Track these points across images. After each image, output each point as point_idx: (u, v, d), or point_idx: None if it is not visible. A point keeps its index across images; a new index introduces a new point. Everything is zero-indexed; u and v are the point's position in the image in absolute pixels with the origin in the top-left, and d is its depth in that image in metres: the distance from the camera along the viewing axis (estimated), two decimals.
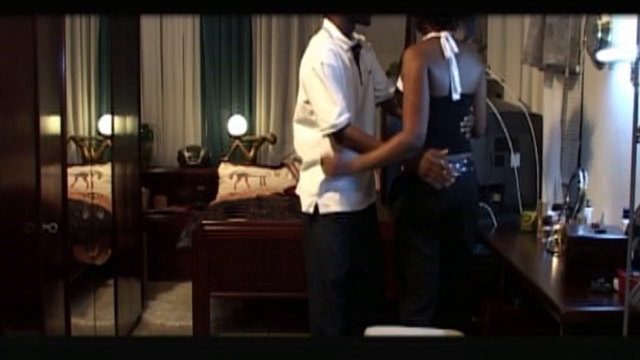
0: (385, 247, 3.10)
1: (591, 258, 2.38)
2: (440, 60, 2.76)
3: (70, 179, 3.87)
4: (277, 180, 5.52)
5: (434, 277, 2.89)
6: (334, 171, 2.85)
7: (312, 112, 2.88)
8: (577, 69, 3.20)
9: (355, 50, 2.93)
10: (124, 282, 4.15)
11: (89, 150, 5.13)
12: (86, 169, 4.67)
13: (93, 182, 4.39)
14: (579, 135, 3.25)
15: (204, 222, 4.06)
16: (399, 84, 2.88)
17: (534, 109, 3.66)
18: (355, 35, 2.96)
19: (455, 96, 2.80)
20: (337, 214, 2.91)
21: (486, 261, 3.27)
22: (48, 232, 2.92)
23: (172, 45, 5.96)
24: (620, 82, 2.82)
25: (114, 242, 4.09)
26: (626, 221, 2.50)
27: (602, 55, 2.93)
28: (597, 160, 3.09)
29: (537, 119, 3.51)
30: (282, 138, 6.01)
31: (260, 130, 6.02)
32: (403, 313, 2.92)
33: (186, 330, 4.29)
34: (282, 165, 5.72)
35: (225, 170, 5.63)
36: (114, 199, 4.00)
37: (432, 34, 2.81)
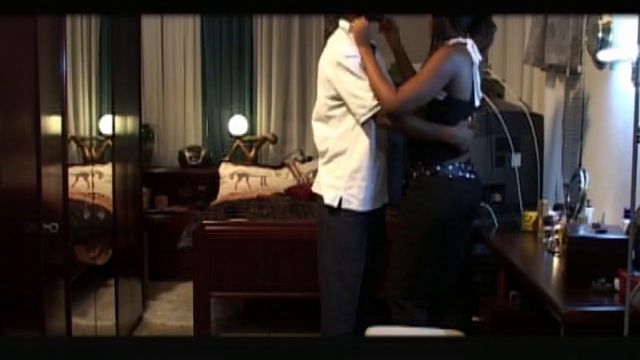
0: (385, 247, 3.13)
1: (592, 258, 2.38)
2: (469, 66, 2.83)
3: (71, 179, 3.87)
4: (278, 180, 5.52)
5: (437, 277, 2.93)
6: (357, 35, 2.88)
7: (332, 108, 2.93)
8: (579, 69, 3.20)
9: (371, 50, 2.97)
10: (124, 282, 4.15)
11: (90, 150, 5.13)
12: (87, 168, 4.67)
13: (94, 182, 4.39)
14: (580, 136, 3.26)
15: (204, 222, 4.06)
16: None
17: (535, 109, 3.66)
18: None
19: (477, 102, 2.91)
20: (358, 211, 2.96)
21: (487, 261, 3.27)
22: (49, 232, 2.92)
23: (172, 45, 5.96)
24: (621, 82, 2.82)
25: (114, 242, 4.09)
26: (627, 221, 2.50)
27: (602, 55, 2.93)
28: (597, 160, 3.08)
29: (538, 119, 3.51)
30: (283, 138, 6.01)
31: (261, 130, 6.02)
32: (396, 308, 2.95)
33: (187, 330, 4.29)
34: (282, 166, 5.72)
35: (226, 170, 5.63)
36: (115, 199, 4.00)
37: (457, 40, 2.84)
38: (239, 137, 5.90)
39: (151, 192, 5.63)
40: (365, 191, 2.95)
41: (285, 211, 4.53)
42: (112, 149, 4.12)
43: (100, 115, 5.31)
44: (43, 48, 2.91)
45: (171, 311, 4.65)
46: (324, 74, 2.95)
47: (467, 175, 2.91)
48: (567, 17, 3.16)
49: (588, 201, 2.91)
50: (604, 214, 2.90)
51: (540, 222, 3.10)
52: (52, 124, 3.04)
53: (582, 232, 2.55)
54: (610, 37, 2.89)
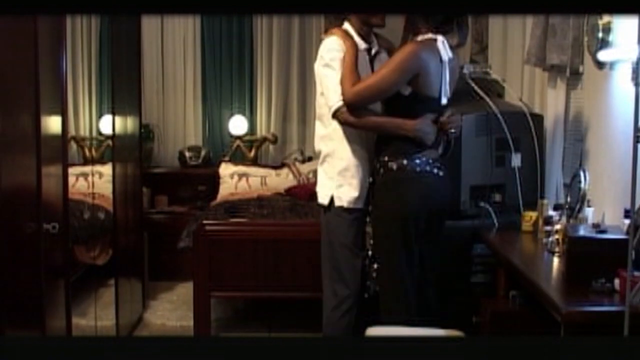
0: None
1: (592, 258, 2.38)
2: (437, 63, 2.81)
3: (71, 179, 3.87)
4: (278, 180, 5.52)
5: (412, 277, 2.89)
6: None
7: (322, 105, 2.97)
8: (581, 69, 3.20)
9: (371, 53, 3.01)
10: (124, 282, 4.15)
11: (90, 150, 5.13)
12: (87, 169, 4.67)
13: (94, 182, 4.39)
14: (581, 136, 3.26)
15: (204, 222, 4.06)
16: None
17: (536, 109, 3.66)
18: (375, 41, 3.05)
19: (444, 100, 2.88)
20: (350, 208, 2.99)
21: (487, 261, 3.27)
22: (49, 232, 2.92)
23: (172, 45, 5.96)
24: (621, 82, 2.82)
25: (114, 242, 4.09)
26: (627, 221, 2.50)
27: (603, 55, 2.92)
28: (597, 160, 3.08)
29: (538, 119, 3.51)
30: (283, 138, 6.01)
31: (261, 130, 6.02)
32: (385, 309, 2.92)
33: (187, 330, 4.28)
34: (283, 166, 5.72)
35: (226, 170, 5.62)
36: (115, 199, 4.00)
37: (427, 35, 2.82)
38: (239, 137, 5.90)
39: (151, 192, 5.63)
40: (355, 189, 2.98)
41: (286, 211, 4.53)
42: (112, 149, 4.11)
43: (100, 115, 5.32)
44: (43, 48, 2.91)
45: (171, 311, 4.65)
46: (315, 70, 3.01)
47: (436, 171, 2.87)
48: (568, 18, 3.16)
49: (588, 201, 2.91)
50: (604, 214, 2.90)
51: (541, 222, 3.10)
52: (52, 124, 3.04)
53: (582, 232, 2.55)
54: (610, 37, 2.89)
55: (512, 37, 4.14)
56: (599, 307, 2.25)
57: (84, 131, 5.29)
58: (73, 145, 5.02)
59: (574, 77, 3.32)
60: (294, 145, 5.98)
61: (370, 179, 2.98)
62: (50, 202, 3.01)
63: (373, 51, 3.03)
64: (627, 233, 2.37)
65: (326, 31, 3.16)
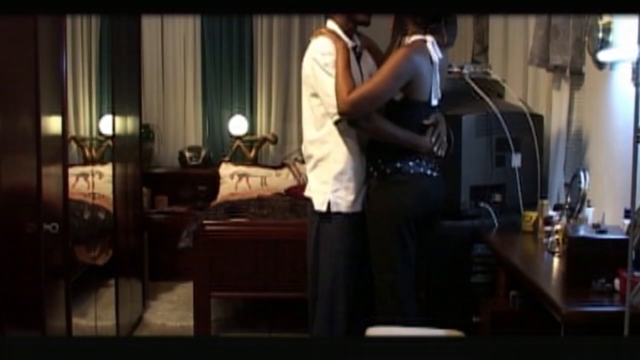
0: None
1: (592, 258, 2.38)
2: (428, 66, 2.79)
3: (71, 179, 3.86)
4: (278, 180, 5.52)
5: (417, 277, 2.91)
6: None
7: (313, 107, 2.92)
8: (584, 69, 3.20)
9: (356, 50, 2.96)
10: (125, 282, 4.15)
11: (90, 151, 5.12)
12: (87, 169, 4.67)
13: (94, 182, 4.38)
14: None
15: (205, 222, 4.06)
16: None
17: (538, 110, 3.66)
18: (357, 38, 2.99)
19: (434, 102, 2.86)
20: (348, 213, 2.94)
21: (487, 261, 3.27)
22: (49, 232, 2.92)
23: (173, 45, 5.96)
24: (621, 82, 2.82)
25: (115, 242, 4.08)
26: (627, 221, 2.50)
27: (603, 56, 2.92)
28: (598, 160, 3.08)
29: (538, 119, 3.51)
30: (283, 138, 6.01)
31: (261, 131, 6.02)
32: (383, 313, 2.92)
33: (187, 330, 4.29)
34: (283, 166, 5.71)
35: (226, 170, 5.62)
36: (115, 199, 4.00)
37: (417, 37, 2.81)
38: (239, 137, 5.90)
39: (151, 192, 5.62)
40: (352, 192, 2.93)
41: (286, 211, 4.53)
42: (113, 149, 4.11)
43: (100, 116, 5.31)
44: (43, 48, 2.90)
45: (171, 311, 4.65)
46: (304, 72, 2.95)
47: (429, 172, 2.88)
48: (569, 18, 3.16)
49: (588, 201, 2.91)
50: (604, 214, 2.90)
51: (541, 222, 3.10)
52: (53, 124, 3.04)
53: (582, 232, 2.55)
54: (611, 37, 2.89)
55: (513, 38, 4.14)
56: (599, 307, 2.25)
57: (84, 131, 5.29)
58: (73, 146, 5.01)
59: (578, 78, 3.32)
60: (294, 146, 5.97)
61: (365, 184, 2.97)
62: (50, 202, 3.01)
63: (357, 49, 2.98)
64: (627, 233, 2.38)
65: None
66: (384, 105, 2.81)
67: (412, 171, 2.85)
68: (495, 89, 3.77)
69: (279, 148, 6.01)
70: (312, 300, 3.04)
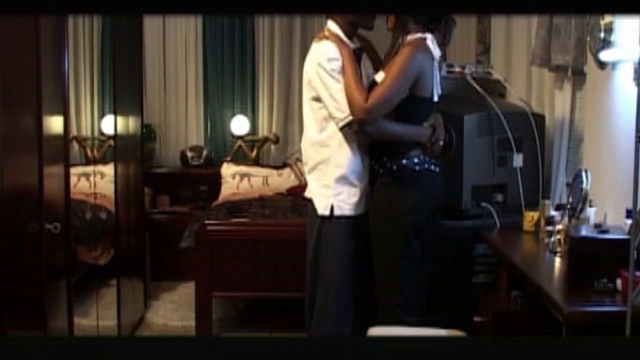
0: None
1: (594, 258, 2.38)
2: (430, 63, 2.85)
3: (73, 179, 3.87)
4: (279, 180, 5.53)
5: (421, 274, 2.92)
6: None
7: (315, 110, 2.91)
8: (585, 69, 3.20)
9: (357, 52, 2.96)
10: (126, 282, 4.15)
11: (92, 150, 5.13)
12: (89, 169, 4.67)
13: (96, 182, 4.39)
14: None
15: (206, 222, 4.06)
16: (378, 77, 2.89)
17: (540, 110, 3.65)
18: (356, 40, 3.00)
19: (436, 98, 2.91)
20: (351, 216, 2.94)
21: (488, 261, 3.27)
22: (51, 232, 2.92)
23: (174, 45, 5.97)
24: (623, 82, 2.81)
25: (116, 242, 4.09)
26: (629, 221, 2.50)
27: (604, 56, 2.92)
28: (599, 160, 3.08)
29: (540, 119, 3.51)
30: (284, 138, 6.02)
31: (262, 130, 6.02)
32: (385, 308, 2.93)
33: (189, 330, 4.29)
34: (284, 166, 5.72)
35: (227, 170, 5.63)
36: (117, 199, 4.00)
37: (417, 35, 2.84)
38: (240, 137, 5.90)
39: (153, 192, 5.63)
40: (355, 195, 2.94)
41: (287, 211, 4.53)
42: (114, 149, 4.12)
43: (102, 116, 5.31)
44: (45, 48, 2.91)
45: (173, 311, 4.65)
46: (307, 76, 2.93)
47: (432, 167, 2.92)
48: (571, 17, 3.16)
49: (590, 201, 2.90)
50: (605, 214, 2.90)
51: (542, 222, 3.09)
52: (54, 124, 3.04)
53: (584, 232, 2.55)
54: (612, 37, 2.89)
55: (516, 38, 4.14)
56: (601, 307, 2.25)
57: (85, 131, 5.29)
58: (75, 146, 5.02)
59: (580, 78, 3.32)
60: (296, 145, 5.97)
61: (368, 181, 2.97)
62: (52, 202, 3.01)
63: (357, 52, 2.97)
64: (629, 233, 2.37)
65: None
66: None
67: (417, 167, 2.88)
68: (497, 89, 3.77)
69: (281, 148, 6.01)
70: (310, 302, 3.03)
